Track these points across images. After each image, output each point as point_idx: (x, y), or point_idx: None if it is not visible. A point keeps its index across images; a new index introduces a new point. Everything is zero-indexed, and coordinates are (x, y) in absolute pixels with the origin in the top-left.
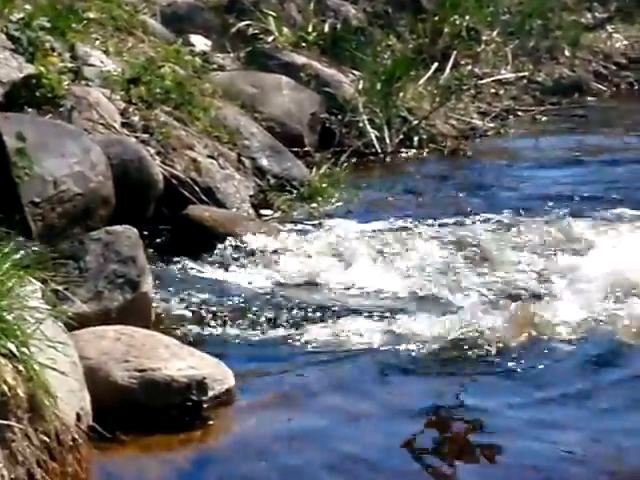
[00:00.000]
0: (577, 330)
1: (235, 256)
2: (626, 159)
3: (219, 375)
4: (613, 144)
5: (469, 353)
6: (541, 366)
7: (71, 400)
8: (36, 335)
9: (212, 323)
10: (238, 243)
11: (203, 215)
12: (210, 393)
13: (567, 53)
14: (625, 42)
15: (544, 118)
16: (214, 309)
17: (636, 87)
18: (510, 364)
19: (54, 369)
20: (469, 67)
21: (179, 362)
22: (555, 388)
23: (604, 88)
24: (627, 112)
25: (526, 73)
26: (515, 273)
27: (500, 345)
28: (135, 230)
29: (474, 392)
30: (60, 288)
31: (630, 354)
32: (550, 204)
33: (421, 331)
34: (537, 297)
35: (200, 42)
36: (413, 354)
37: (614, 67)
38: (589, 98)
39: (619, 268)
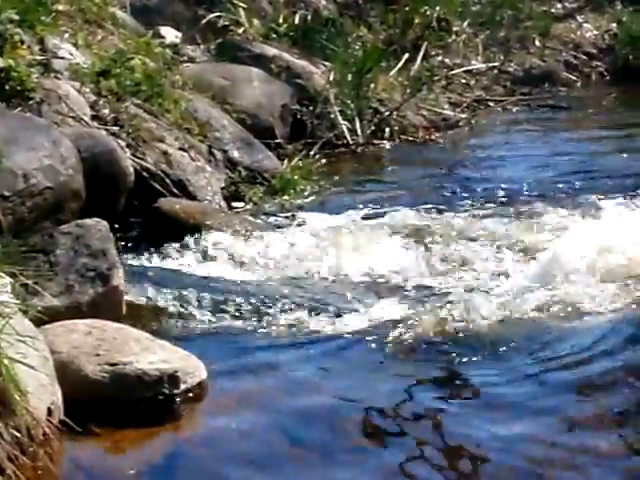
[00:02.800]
0: (536, 319)
1: (206, 249)
2: (596, 148)
3: (191, 368)
4: (583, 134)
5: (435, 343)
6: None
7: (42, 395)
8: (6, 330)
9: (183, 316)
10: (209, 236)
11: (174, 208)
12: (182, 387)
13: (537, 43)
14: (595, 32)
15: (515, 108)
16: (185, 302)
17: (607, 77)
18: (475, 353)
19: (24, 364)
20: (440, 58)
21: (150, 356)
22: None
23: (575, 78)
24: (597, 101)
25: (497, 63)
26: (481, 263)
27: (470, 334)
28: (105, 223)
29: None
30: (30, 282)
31: None
32: (521, 193)
33: (395, 321)
34: (497, 287)
35: (170, 34)
36: (389, 345)
37: (584, 57)
38: (560, 88)
39: (588, 256)
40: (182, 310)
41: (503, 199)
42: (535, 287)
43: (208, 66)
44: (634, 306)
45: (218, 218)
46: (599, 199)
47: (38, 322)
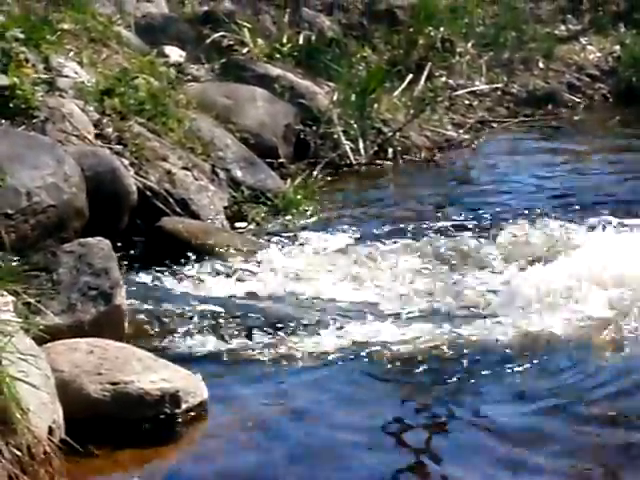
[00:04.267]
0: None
1: (209, 268)
2: (598, 169)
3: (192, 388)
4: (586, 156)
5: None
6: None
7: (43, 413)
8: (8, 348)
9: (186, 336)
10: (212, 255)
11: (177, 227)
12: (183, 406)
13: (541, 65)
14: (598, 54)
15: (518, 129)
16: (188, 321)
17: (610, 99)
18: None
19: (26, 382)
20: (443, 79)
21: (152, 375)
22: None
23: (578, 100)
24: (601, 123)
25: (500, 85)
26: (485, 281)
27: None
28: (108, 242)
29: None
30: (32, 300)
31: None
32: (522, 213)
33: (394, 342)
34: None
35: (175, 53)
36: (387, 365)
37: (588, 79)
38: (563, 109)
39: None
40: (184, 329)
41: (504, 219)
42: (534, 309)
43: (212, 85)
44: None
45: (221, 238)
46: (600, 221)
47: (40, 340)
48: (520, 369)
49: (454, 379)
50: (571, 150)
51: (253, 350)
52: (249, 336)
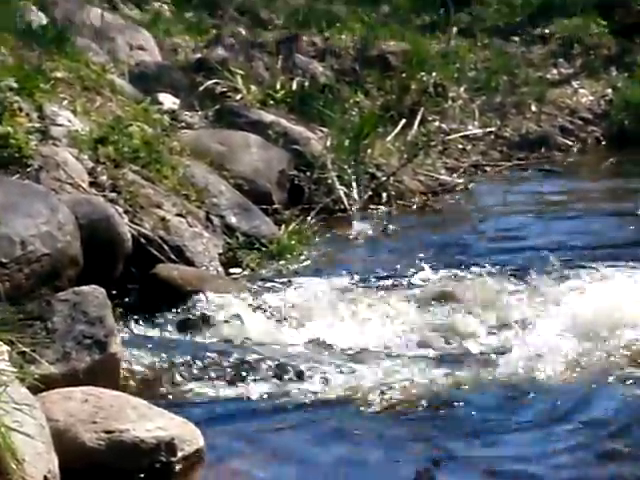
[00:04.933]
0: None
1: (204, 315)
2: (593, 213)
3: (188, 435)
4: (580, 200)
5: (426, 409)
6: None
7: (38, 463)
8: (3, 398)
9: (181, 383)
10: (207, 302)
11: (171, 274)
12: (179, 454)
13: (534, 108)
14: (591, 97)
15: (511, 173)
16: (182, 369)
17: (603, 142)
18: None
19: (21, 432)
20: (436, 123)
21: (147, 423)
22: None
23: (571, 143)
24: (594, 167)
25: (493, 128)
26: (480, 325)
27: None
28: (103, 290)
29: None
30: (27, 349)
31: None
32: (516, 259)
33: (387, 387)
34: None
35: (168, 100)
36: (376, 411)
37: (580, 122)
38: (556, 153)
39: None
40: (179, 377)
41: (500, 264)
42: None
43: (206, 132)
44: None
45: (215, 284)
46: (594, 267)
47: (35, 390)
48: (507, 417)
49: (448, 423)
50: (565, 193)
51: (249, 397)
52: (245, 383)
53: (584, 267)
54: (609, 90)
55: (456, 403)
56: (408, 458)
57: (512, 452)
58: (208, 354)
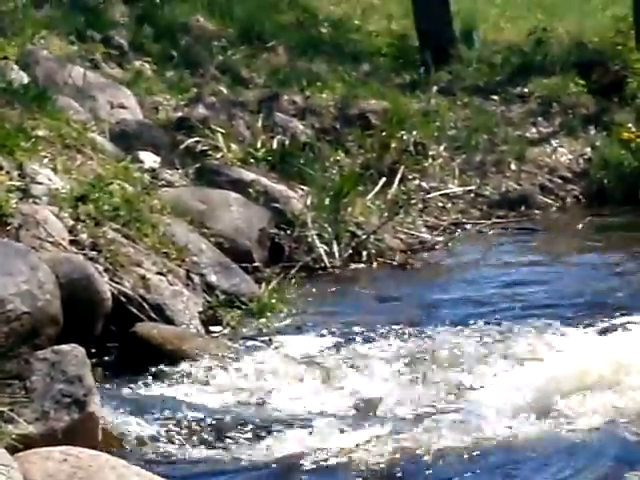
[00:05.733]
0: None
1: (184, 374)
2: (572, 271)
3: None
4: (559, 258)
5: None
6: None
7: None
8: None
9: (160, 442)
10: (187, 361)
11: (151, 333)
12: None
13: (513, 167)
14: (570, 156)
15: (491, 231)
16: (162, 428)
17: (582, 200)
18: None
19: None
20: (417, 181)
21: None
22: None
23: (550, 201)
24: (573, 226)
25: (473, 187)
26: (464, 383)
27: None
28: (82, 349)
29: None
30: (5, 409)
31: None
32: (496, 317)
33: (372, 448)
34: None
35: (149, 159)
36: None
37: (560, 181)
38: (536, 211)
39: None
40: (158, 436)
41: (476, 321)
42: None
43: (186, 190)
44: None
45: (195, 343)
46: (569, 324)
47: (12, 450)
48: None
49: None
50: (544, 251)
51: (228, 456)
52: (224, 442)
53: (564, 322)
54: (588, 149)
55: (439, 463)
56: None
57: None
58: (187, 413)
